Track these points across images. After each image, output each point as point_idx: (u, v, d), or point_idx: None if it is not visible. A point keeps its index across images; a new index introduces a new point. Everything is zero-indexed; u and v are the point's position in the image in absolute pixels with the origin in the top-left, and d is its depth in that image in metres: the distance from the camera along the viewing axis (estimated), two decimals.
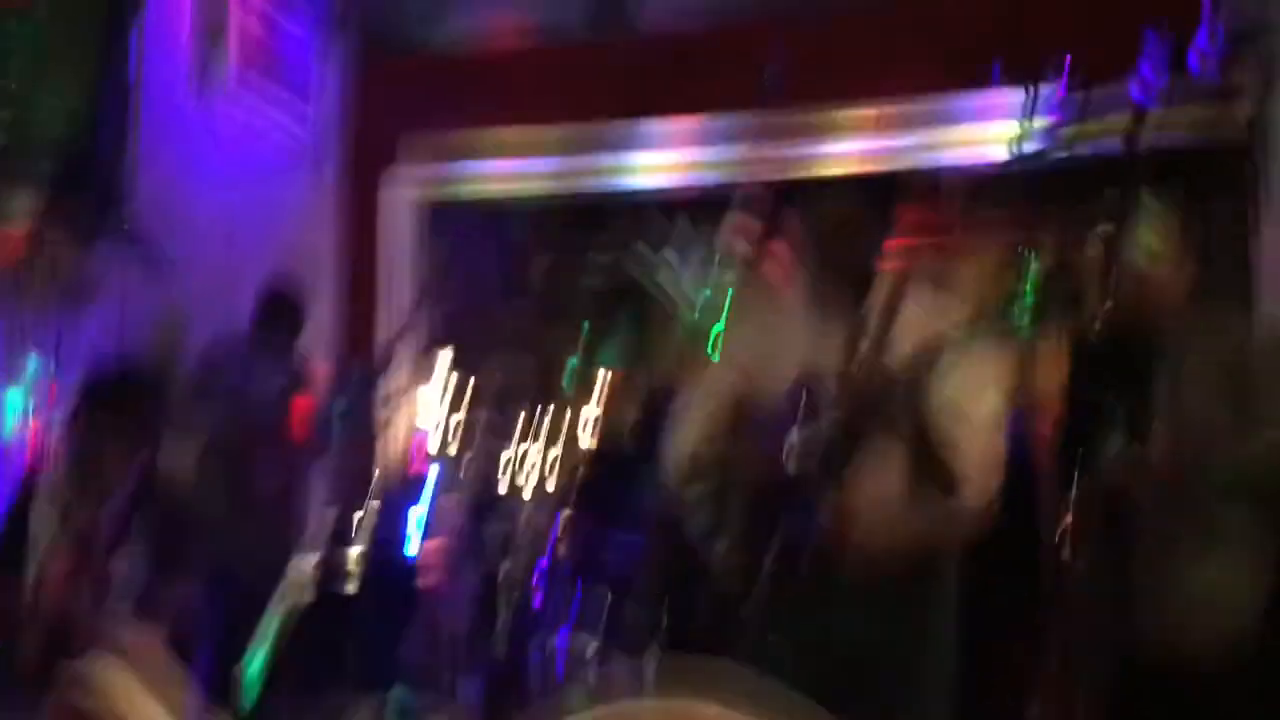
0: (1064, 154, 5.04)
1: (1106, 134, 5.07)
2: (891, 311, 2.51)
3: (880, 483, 2.41)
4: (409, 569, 3.67)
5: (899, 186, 5.63)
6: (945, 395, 2.40)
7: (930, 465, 2.36)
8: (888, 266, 2.58)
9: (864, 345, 2.48)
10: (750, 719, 0.78)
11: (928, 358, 2.10)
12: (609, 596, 4.36)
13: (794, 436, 2.43)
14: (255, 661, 3.36)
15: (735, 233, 7.01)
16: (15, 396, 4.15)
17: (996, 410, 2.42)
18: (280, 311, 4.83)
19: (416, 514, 5.31)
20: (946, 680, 2.52)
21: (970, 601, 2.55)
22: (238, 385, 4.61)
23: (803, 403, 2.44)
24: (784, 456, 2.44)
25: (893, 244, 2.61)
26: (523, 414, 5.57)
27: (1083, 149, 5.31)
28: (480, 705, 3.83)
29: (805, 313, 2.66)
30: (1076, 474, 2.85)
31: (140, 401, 3.34)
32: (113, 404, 3.24)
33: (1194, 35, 4.67)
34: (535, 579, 4.16)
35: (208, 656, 4.24)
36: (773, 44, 5.70)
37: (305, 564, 3.42)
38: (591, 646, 4.13)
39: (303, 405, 4.67)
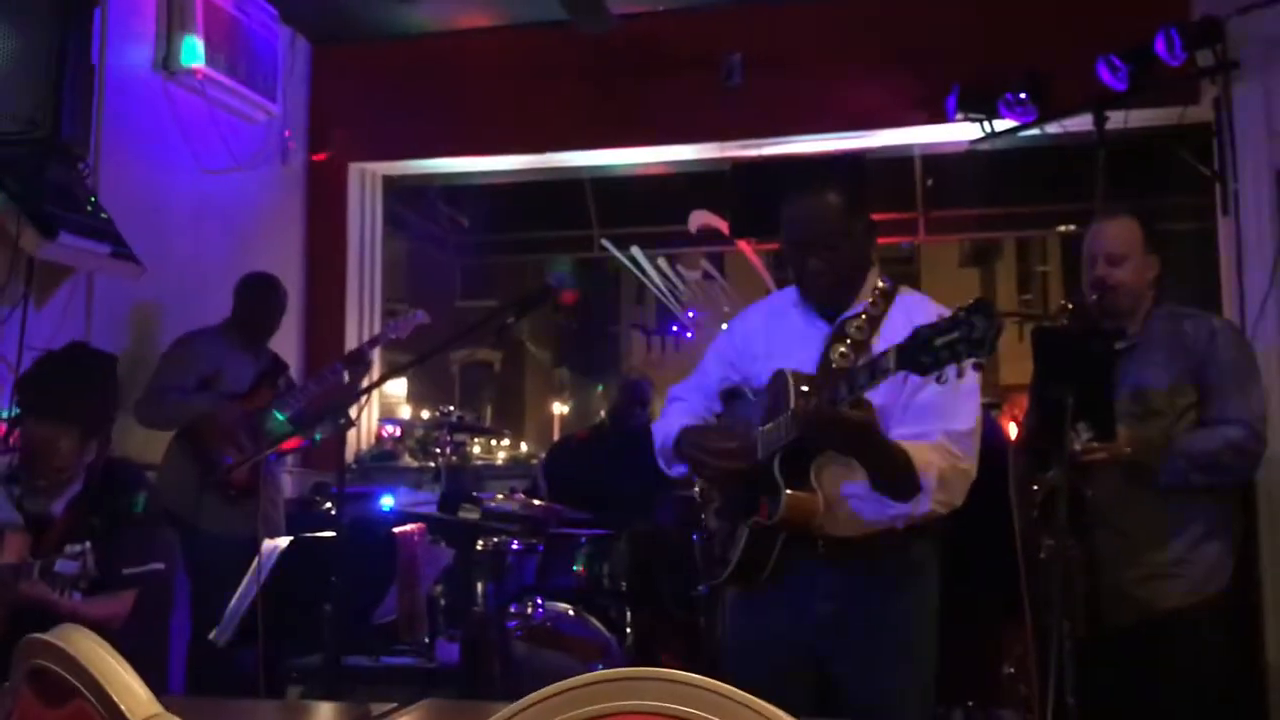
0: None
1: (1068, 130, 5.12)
2: (874, 320, 2.50)
3: (842, 481, 2.42)
4: (383, 544, 3.68)
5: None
6: (922, 400, 2.40)
7: (892, 476, 2.37)
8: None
9: (840, 350, 2.49)
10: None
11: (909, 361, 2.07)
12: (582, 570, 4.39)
13: (762, 428, 2.44)
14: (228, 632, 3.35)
15: (703, 225, 6.99)
16: None
17: (973, 415, 2.42)
18: (256, 303, 4.81)
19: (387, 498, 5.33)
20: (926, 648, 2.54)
21: (946, 576, 2.58)
22: (211, 375, 4.59)
23: (775, 397, 2.44)
24: (755, 445, 2.44)
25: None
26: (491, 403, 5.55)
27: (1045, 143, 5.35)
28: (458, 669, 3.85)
29: (788, 307, 2.65)
30: (1045, 465, 2.89)
31: (92, 390, 3.31)
32: (64, 392, 3.21)
33: (1160, 25, 4.70)
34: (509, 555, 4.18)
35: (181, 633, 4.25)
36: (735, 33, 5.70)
37: (276, 546, 3.41)
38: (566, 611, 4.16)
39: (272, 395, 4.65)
